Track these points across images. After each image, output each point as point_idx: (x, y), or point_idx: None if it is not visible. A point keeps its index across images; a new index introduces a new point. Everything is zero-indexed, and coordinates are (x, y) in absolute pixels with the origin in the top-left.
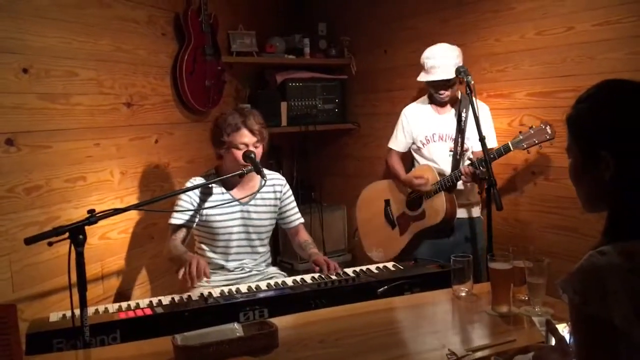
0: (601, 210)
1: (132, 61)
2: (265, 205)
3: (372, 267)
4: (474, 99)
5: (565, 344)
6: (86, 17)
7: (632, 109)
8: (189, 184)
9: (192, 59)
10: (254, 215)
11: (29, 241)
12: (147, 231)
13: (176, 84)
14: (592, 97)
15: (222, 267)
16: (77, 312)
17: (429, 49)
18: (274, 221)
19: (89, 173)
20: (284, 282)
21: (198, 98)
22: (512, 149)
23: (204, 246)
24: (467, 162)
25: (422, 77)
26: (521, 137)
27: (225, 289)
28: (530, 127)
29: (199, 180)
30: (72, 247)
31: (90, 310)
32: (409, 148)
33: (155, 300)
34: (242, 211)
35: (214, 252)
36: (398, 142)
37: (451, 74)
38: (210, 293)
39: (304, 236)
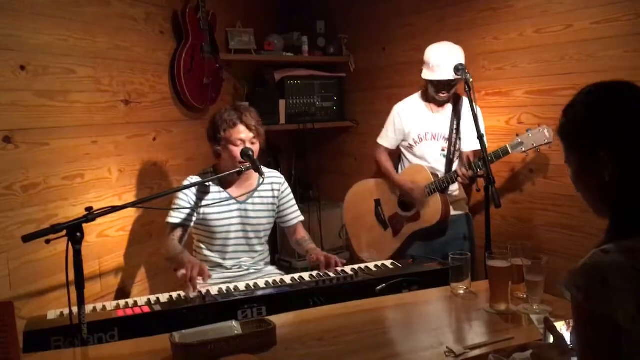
0: None
1: (130, 59)
2: (264, 204)
3: (371, 265)
4: (472, 96)
5: (563, 342)
6: (84, 15)
7: (618, 106)
8: (186, 183)
9: (190, 57)
10: (251, 214)
11: (27, 239)
12: (145, 229)
13: (174, 82)
14: (577, 103)
15: (220, 265)
16: (75, 309)
17: (434, 46)
18: (272, 220)
19: (86, 171)
20: (282, 280)
21: (196, 96)
22: (510, 152)
23: (201, 244)
24: (459, 162)
25: (427, 75)
26: (519, 139)
27: (224, 287)
28: (528, 130)
29: (196, 179)
30: (70, 245)
31: (88, 308)
32: (398, 145)
33: (153, 298)
34: (239, 210)
35: (211, 250)
36: (388, 139)
37: (456, 76)
38: (208, 291)
39: (302, 233)
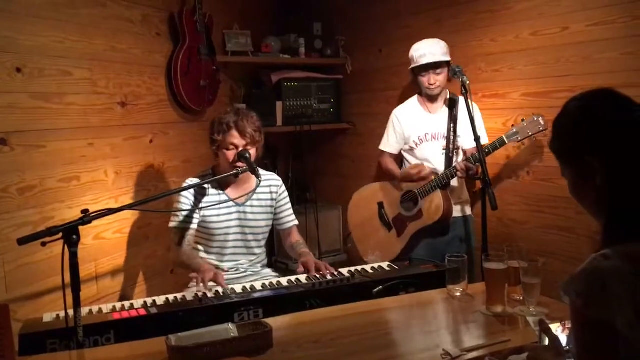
0: None
1: (126, 61)
2: (262, 207)
3: (367, 267)
4: (469, 98)
5: (558, 344)
6: (80, 17)
7: (598, 111)
8: (184, 186)
9: (187, 59)
10: (250, 217)
11: (22, 241)
12: (142, 231)
13: (171, 84)
14: (560, 116)
15: (217, 268)
16: (71, 312)
17: (415, 44)
18: (270, 222)
19: (83, 173)
20: (278, 282)
21: (193, 98)
22: (506, 142)
23: (199, 246)
24: (461, 158)
25: (413, 65)
26: (515, 129)
27: (220, 289)
28: (523, 120)
29: (195, 181)
30: (66, 248)
31: (84, 310)
32: (401, 149)
33: (149, 300)
34: (238, 212)
35: (209, 252)
36: (390, 145)
37: (440, 59)
38: (204, 293)
39: (296, 237)
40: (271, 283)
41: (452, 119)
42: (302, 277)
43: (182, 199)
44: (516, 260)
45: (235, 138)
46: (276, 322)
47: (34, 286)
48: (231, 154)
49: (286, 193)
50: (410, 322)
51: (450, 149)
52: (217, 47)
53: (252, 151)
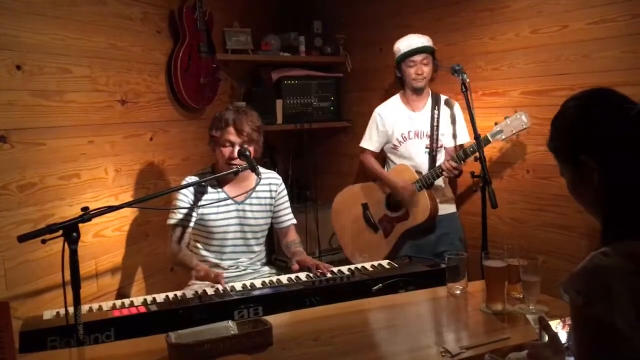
0: None
1: (126, 58)
2: (261, 204)
3: (367, 265)
4: (469, 97)
5: (558, 341)
6: (80, 14)
7: (591, 110)
8: (184, 183)
9: (187, 57)
10: (249, 214)
11: (22, 239)
12: (142, 229)
13: (171, 82)
14: (556, 117)
15: (217, 266)
16: (71, 310)
17: (398, 40)
18: (269, 220)
19: (83, 170)
20: (278, 280)
21: (193, 95)
22: (491, 140)
23: (198, 244)
24: (444, 156)
25: (403, 51)
26: (498, 128)
27: (220, 287)
28: (506, 118)
29: (194, 179)
30: (66, 245)
31: (84, 308)
32: (383, 148)
33: (149, 298)
34: (237, 210)
35: (209, 250)
36: (372, 142)
37: (428, 44)
38: (204, 291)
39: (293, 236)
40: (271, 281)
41: (435, 117)
42: (302, 275)
43: (181, 197)
44: (516, 258)
45: (232, 135)
46: (276, 320)
47: (34, 284)
48: (227, 151)
49: (285, 192)
50: (410, 320)
51: (434, 147)
52: (217, 45)
53: (250, 149)
